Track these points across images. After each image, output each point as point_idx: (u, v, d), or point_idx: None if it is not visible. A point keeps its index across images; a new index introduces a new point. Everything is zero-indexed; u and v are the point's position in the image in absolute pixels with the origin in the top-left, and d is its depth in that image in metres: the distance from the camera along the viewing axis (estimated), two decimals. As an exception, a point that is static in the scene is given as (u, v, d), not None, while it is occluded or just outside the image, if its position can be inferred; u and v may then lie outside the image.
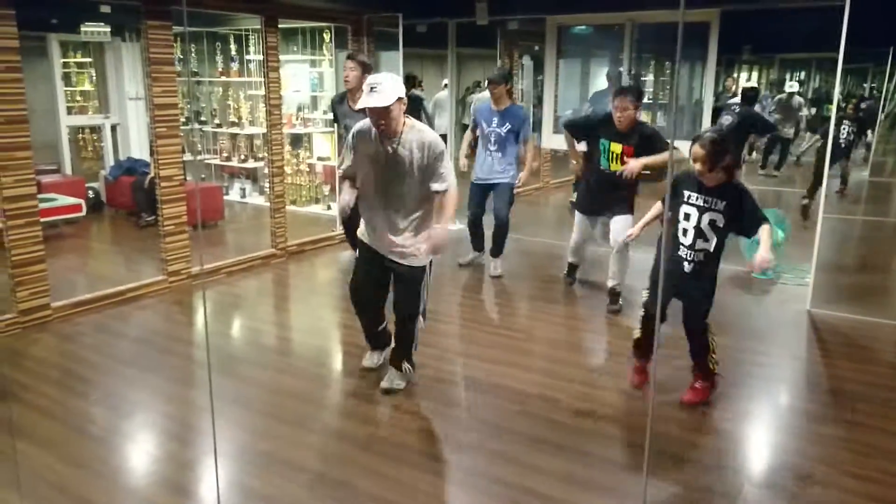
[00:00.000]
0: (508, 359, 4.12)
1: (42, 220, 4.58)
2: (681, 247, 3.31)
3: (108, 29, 7.88)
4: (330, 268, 6.12)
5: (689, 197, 3.27)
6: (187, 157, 8.61)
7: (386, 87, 3.06)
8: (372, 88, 3.05)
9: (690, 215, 3.26)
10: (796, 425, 3.37)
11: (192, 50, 8.84)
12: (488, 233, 5.65)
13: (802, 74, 17.34)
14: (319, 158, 8.34)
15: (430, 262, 3.47)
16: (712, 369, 3.46)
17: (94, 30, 7.75)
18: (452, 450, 3.10)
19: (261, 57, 6.42)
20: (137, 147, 8.31)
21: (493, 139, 5.38)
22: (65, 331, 4.40)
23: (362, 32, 6.70)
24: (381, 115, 3.09)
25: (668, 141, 4.74)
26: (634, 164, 4.50)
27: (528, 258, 6.24)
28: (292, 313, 5.21)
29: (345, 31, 6.78)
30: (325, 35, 8.13)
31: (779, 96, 11.42)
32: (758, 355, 4.13)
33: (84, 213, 6.94)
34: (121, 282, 5.07)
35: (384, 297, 3.59)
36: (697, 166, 3.17)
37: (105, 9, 6.98)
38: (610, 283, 4.86)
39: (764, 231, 3.16)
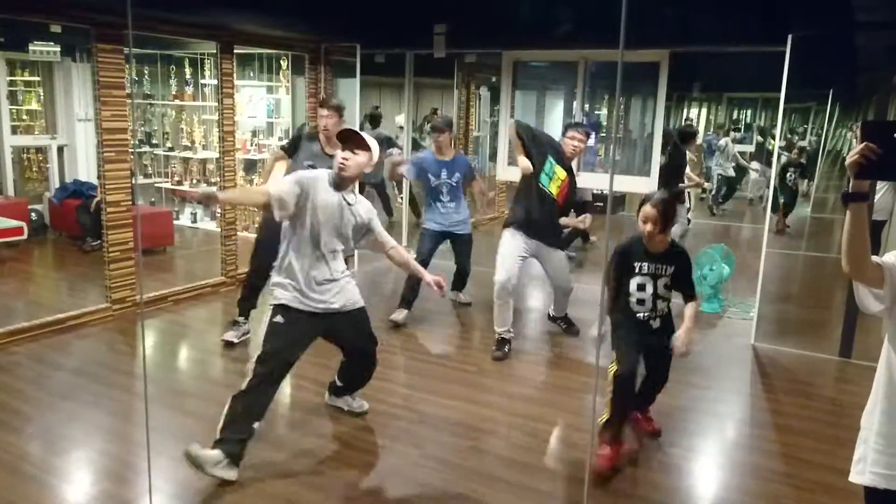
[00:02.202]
0: (461, 393, 4.10)
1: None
2: (641, 314, 3.25)
3: (58, 49, 7.71)
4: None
5: (640, 268, 3.20)
6: (141, 180, 8.47)
7: (372, 140, 3.24)
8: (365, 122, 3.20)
9: (645, 286, 3.21)
10: (739, 461, 3.43)
11: (146, 72, 8.71)
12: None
13: (749, 112, 17.96)
14: (274, 184, 8.24)
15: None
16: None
17: (43, 49, 7.57)
18: (403, 488, 3.06)
19: (216, 81, 6.36)
20: (85, 169, 8.11)
21: (445, 191, 5.27)
22: (-1, 361, 4.22)
23: (320, 61, 6.71)
24: (358, 168, 3.20)
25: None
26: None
27: (483, 290, 6.25)
28: (240, 345, 5.09)
29: (302, 58, 6.78)
30: (282, 62, 8.11)
31: (718, 144, 11.99)
32: (702, 390, 4.20)
33: (26, 236, 6.69)
34: (62, 309, 4.91)
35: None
36: (648, 227, 3.09)
37: (55, 28, 6.84)
38: (552, 313, 5.09)
39: (691, 308, 3.25)
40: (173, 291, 5.58)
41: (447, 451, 3.35)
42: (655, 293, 3.21)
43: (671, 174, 6.79)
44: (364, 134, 3.24)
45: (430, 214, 5.40)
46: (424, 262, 5.27)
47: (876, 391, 1.85)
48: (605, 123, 11.39)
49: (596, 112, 10.36)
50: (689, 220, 9.14)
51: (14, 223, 6.64)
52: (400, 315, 5.17)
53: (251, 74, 8.61)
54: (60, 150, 8.19)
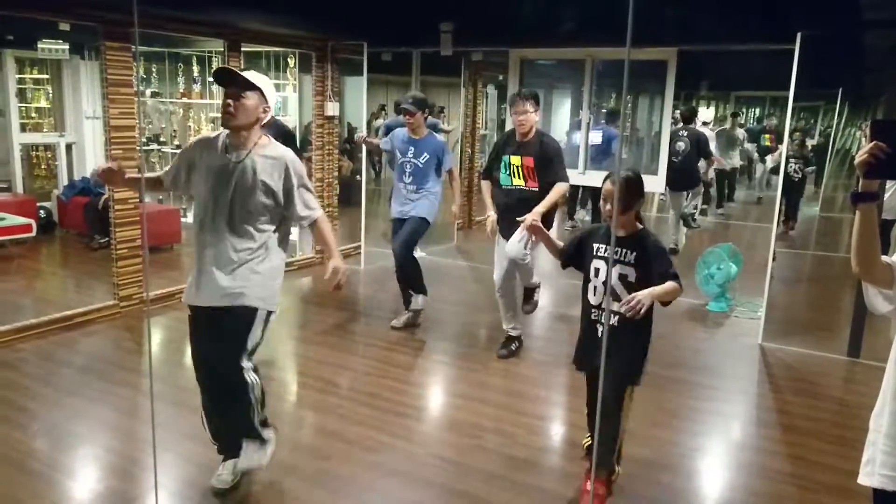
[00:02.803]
0: (466, 392, 4.10)
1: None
2: (592, 310, 2.82)
3: (66, 46, 7.75)
4: (289, 294, 6.04)
5: (597, 249, 2.82)
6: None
7: (256, 77, 2.74)
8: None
9: (600, 270, 2.80)
10: (745, 461, 3.41)
11: (154, 70, 8.73)
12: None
13: (757, 111, 17.91)
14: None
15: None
16: (613, 471, 2.90)
17: (51, 47, 7.61)
18: (404, 485, 3.06)
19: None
20: (93, 167, 8.14)
21: (408, 170, 4.95)
22: (6, 358, 4.24)
23: (326, 59, 6.71)
24: (247, 115, 2.69)
25: (565, 168, 4.30)
26: (530, 218, 3.22)
27: (487, 287, 6.24)
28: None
29: (309, 56, 6.78)
30: (289, 60, 8.11)
31: (721, 128, 11.76)
32: (708, 389, 4.19)
33: (34, 233, 6.75)
34: (69, 306, 4.93)
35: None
36: (607, 206, 2.77)
37: (64, 26, 6.87)
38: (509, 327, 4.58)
39: (667, 285, 2.59)
40: (180, 289, 5.57)
41: (451, 450, 3.35)
42: (607, 282, 2.77)
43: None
44: (249, 73, 2.77)
45: (393, 197, 5.18)
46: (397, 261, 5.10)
47: (884, 392, 1.84)
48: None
49: (603, 109, 10.33)
50: (694, 218, 9.08)
51: (22, 220, 6.69)
52: (399, 320, 5.09)
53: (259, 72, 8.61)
54: (69, 147, 8.23)
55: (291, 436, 3.46)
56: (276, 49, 7.77)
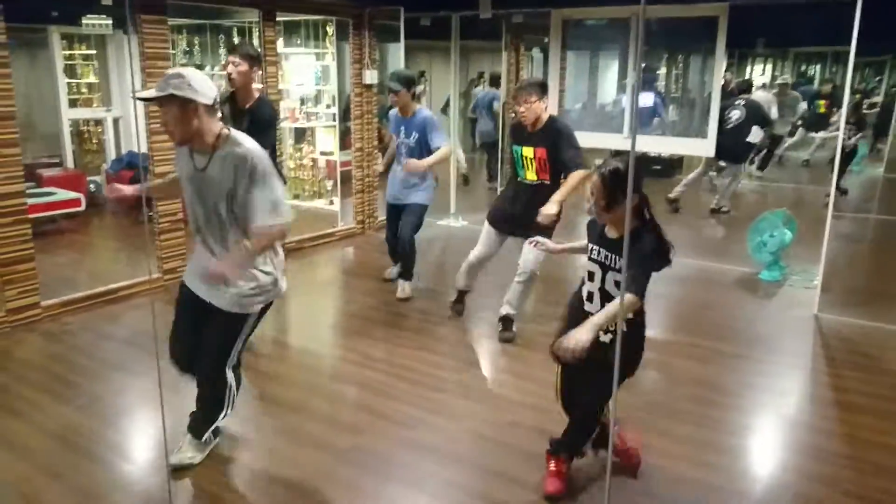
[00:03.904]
0: (504, 366, 4.02)
1: (40, 214, 4.50)
2: (587, 315, 2.50)
3: (110, 21, 7.81)
4: (329, 266, 6.04)
5: (591, 251, 2.57)
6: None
7: (177, 81, 2.42)
8: (165, 79, 2.44)
9: (594, 274, 2.55)
10: (797, 440, 3.25)
11: (196, 42, 8.76)
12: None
13: (818, 68, 17.02)
14: (322, 153, 8.24)
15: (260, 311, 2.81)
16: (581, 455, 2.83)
17: (95, 22, 7.69)
18: (438, 462, 3.01)
19: (261, 50, 6.32)
20: (139, 141, 8.26)
21: (403, 151, 4.84)
22: (53, 331, 4.34)
23: (364, 26, 6.59)
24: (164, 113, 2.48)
25: (580, 146, 4.01)
26: (551, 208, 3.82)
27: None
28: (288, 315, 5.12)
29: (346, 24, 6.67)
30: (328, 28, 8.02)
31: (773, 91, 11.01)
32: (760, 364, 4.00)
33: (83, 207, 6.89)
34: (115, 279, 5.01)
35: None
36: (592, 203, 2.47)
37: (106, 1, 6.92)
38: (503, 311, 4.26)
39: (610, 307, 2.39)
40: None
41: (486, 426, 3.28)
42: (604, 290, 2.53)
43: None
44: (179, 71, 2.51)
45: (389, 180, 5.08)
46: (391, 245, 5.14)
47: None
48: (662, 83, 10.94)
49: (657, 72, 9.95)
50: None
51: (72, 195, 6.83)
52: (402, 289, 5.02)
53: (298, 42, 8.56)
54: (116, 122, 8.35)
55: (326, 410, 3.45)
56: (314, 17, 7.69)
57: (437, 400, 3.55)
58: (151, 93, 2.46)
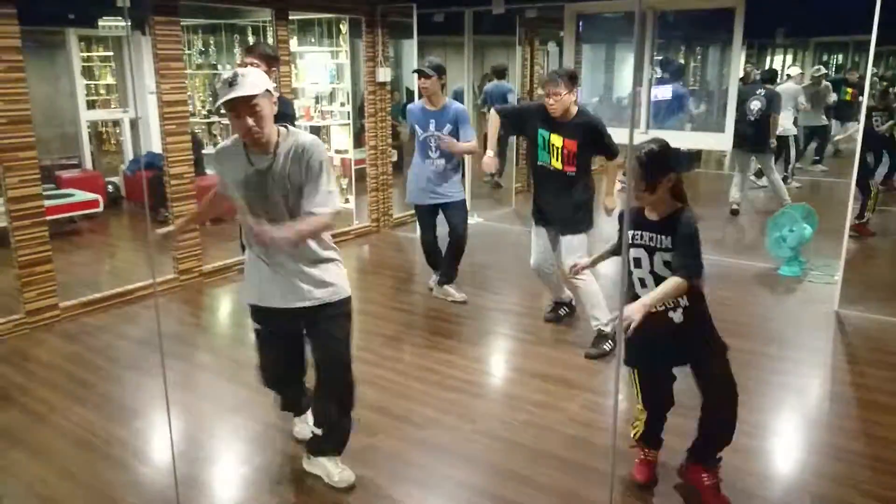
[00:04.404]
0: (518, 365, 4.00)
1: (58, 216, 4.53)
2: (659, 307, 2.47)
3: (126, 23, 7.86)
4: (344, 264, 6.02)
5: (633, 237, 2.55)
6: (211, 150, 8.62)
7: (250, 78, 2.35)
8: (230, 82, 2.33)
9: (641, 260, 2.54)
10: (816, 440, 3.19)
11: (212, 42, 8.80)
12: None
13: (840, 58, 16.73)
14: (337, 151, 8.24)
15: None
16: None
17: (111, 24, 7.75)
18: (452, 463, 2.99)
19: (275, 50, 6.33)
20: (157, 142, 8.32)
21: (433, 144, 4.66)
22: (71, 331, 4.39)
23: (376, 23, 6.58)
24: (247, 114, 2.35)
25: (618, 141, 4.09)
26: (612, 202, 4.17)
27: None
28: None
29: (360, 21, 6.66)
30: (341, 26, 8.02)
31: (805, 83, 10.77)
32: (779, 361, 3.93)
33: (101, 208, 6.96)
34: (132, 280, 5.04)
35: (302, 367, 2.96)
36: (633, 185, 2.48)
37: (121, 2, 6.97)
38: (593, 326, 4.10)
39: (666, 285, 2.38)
40: (238, 261, 5.65)
41: (500, 426, 3.26)
42: (654, 273, 2.53)
43: None
44: (246, 71, 2.40)
45: (411, 183, 4.86)
46: (430, 245, 4.97)
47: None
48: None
49: (674, 62, 9.81)
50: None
51: (90, 196, 6.91)
52: (455, 293, 4.95)
53: (312, 41, 8.56)
54: (133, 123, 8.42)
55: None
56: (327, 16, 7.69)
57: (451, 400, 3.53)
58: (245, 91, 2.31)
